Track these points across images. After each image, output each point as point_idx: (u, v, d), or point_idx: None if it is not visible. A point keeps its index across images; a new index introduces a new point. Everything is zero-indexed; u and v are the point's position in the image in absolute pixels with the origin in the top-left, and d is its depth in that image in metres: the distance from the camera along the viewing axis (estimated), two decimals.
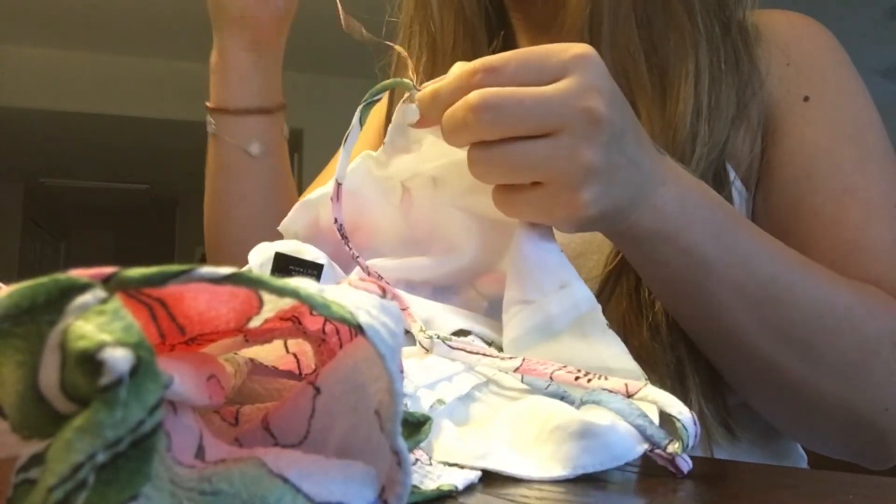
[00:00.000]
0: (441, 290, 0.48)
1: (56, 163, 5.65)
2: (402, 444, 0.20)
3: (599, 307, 0.39)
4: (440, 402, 0.35)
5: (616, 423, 0.31)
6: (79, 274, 0.17)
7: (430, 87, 0.40)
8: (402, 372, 0.23)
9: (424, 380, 0.36)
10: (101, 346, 0.15)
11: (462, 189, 0.44)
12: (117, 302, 0.17)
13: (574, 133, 0.37)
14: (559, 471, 0.30)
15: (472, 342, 0.41)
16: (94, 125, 4.56)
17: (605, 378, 0.34)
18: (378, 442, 0.21)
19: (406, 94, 0.42)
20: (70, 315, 0.16)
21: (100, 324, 0.16)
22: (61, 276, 0.17)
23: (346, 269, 0.47)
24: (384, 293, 0.22)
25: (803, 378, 0.47)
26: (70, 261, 7.95)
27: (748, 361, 0.48)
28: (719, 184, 0.55)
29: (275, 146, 0.72)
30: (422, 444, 0.30)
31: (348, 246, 0.44)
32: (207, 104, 0.70)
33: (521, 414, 0.34)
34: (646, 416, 0.31)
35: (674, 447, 0.31)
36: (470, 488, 0.28)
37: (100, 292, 0.17)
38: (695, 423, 0.31)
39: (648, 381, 0.36)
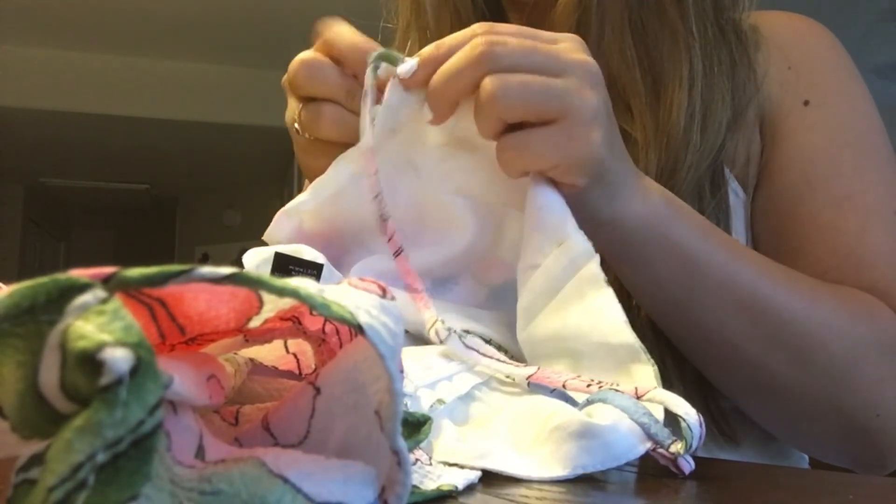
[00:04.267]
0: (441, 281, 0.48)
1: (56, 163, 5.65)
2: (402, 444, 0.20)
3: (597, 257, 0.39)
4: (440, 402, 0.35)
5: (617, 423, 0.31)
6: (79, 274, 0.17)
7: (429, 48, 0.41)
8: (402, 372, 0.23)
9: (424, 380, 0.36)
10: (101, 346, 0.15)
11: (452, 172, 0.44)
12: (117, 302, 0.17)
13: (581, 78, 0.39)
14: (559, 471, 0.30)
15: (480, 346, 0.41)
16: (94, 125, 4.56)
17: (616, 385, 0.34)
18: (378, 442, 0.21)
19: (393, 78, 0.42)
20: (70, 315, 0.16)
21: (100, 324, 0.16)
22: (61, 276, 0.17)
23: (340, 270, 0.47)
24: (384, 293, 0.22)
25: (793, 382, 0.46)
26: (70, 261, 7.94)
27: (736, 366, 0.47)
28: (716, 187, 0.55)
29: None
30: (422, 444, 0.30)
31: (384, 217, 0.44)
32: None
33: (522, 414, 0.34)
34: (651, 414, 0.31)
35: (677, 447, 0.31)
36: (470, 488, 0.28)
37: (100, 292, 0.17)
38: (700, 425, 0.31)
39: (648, 355, 0.36)
